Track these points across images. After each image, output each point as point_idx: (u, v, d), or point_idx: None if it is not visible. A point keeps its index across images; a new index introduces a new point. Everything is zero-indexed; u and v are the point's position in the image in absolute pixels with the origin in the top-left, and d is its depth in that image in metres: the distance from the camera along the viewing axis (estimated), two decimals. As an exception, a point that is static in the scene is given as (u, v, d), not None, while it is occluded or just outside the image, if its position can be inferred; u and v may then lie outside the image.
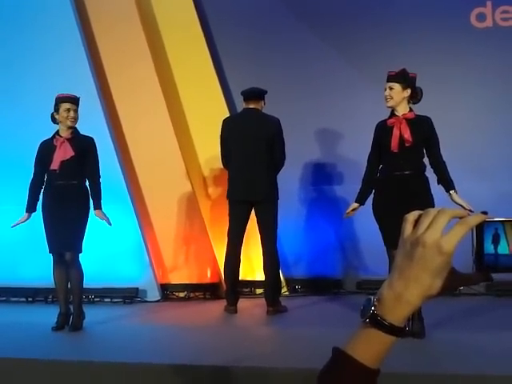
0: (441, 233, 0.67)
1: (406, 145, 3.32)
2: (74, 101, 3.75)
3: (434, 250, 0.67)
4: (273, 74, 4.94)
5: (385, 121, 3.46)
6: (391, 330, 0.70)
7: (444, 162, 3.40)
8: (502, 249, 0.69)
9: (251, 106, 4.23)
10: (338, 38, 5.07)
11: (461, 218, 0.68)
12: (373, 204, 3.47)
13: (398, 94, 3.37)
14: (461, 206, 3.30)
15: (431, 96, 4.69)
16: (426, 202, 3.26)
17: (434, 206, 3.25)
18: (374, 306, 0.71)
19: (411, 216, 0.71)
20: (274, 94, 4.57)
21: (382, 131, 3.43)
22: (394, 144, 3.33)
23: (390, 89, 3.37)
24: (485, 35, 4.87)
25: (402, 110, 3.39)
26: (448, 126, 4.61)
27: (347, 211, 3.61)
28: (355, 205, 3.56)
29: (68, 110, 3.72)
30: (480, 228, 0.69)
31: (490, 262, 0.69)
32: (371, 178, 3.51)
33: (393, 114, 3.42)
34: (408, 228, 0.71)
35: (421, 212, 0.71)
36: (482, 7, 4.89)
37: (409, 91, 3.38)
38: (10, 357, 3.03)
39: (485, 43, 4.84)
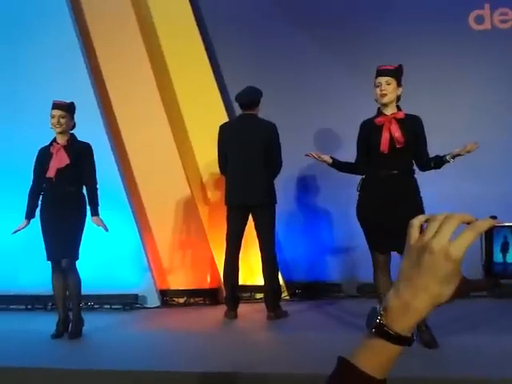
0: (449, 239, 0.65)
1: (398, 146, 3.16)
2: (61, 107, 3.73)
3: (442, 256, 0.65)
4: (271, 79, 4.93)
5: (371, 120, 3.27)
6: (398, 340, 0.68)
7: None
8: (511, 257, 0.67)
9: (248, 112, 4.22)
10: (337, 42, 5.06)
11: (469, 223, 0.66)
12: (358, 206, 3.30)
13: (393, 90, 3.19)
14: (461, 153, 3.09)
15: (428, 98, 4.71)
16: (415, 203, 3.14)
17: (423, 208, 3.18)
18: (380, 316, 0.69)
19: (417, 221, 0.69)
20: (273, 98, 4.56)
21: (370, 130, 3.24)
22: (384, 145, 3.15)
23: (388, 84, 3.17)
24: (483, 37, 4.87)
25: (392, 109, 3.23)
26: (445, 128, 4.61)
27: (317, 155, 3.39)
28: (328, 159, 3.37)
29: (53, 116, 3.71)
30: (489, 233, 0.66)
31: (499, 271, 0.67)
32: (354, 170, 3.36)
33: (380, 113, 3.25)
34: (414, 234, 0.69)
35: (427, 217, 0.69)
36: (481, 10, 4.89)
37: (401, 90, 3.23)
38: (10, 365, 3.01)
39: (483, 45, 4.84)
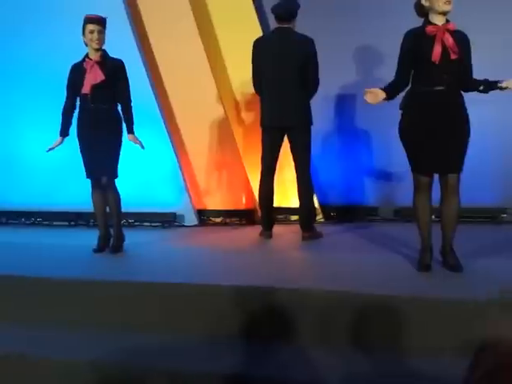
0: None
1: (452, 57, 2.92)
2: (99, 22, 3.65)
3: None
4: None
5: (420, 29, 3.00)
6: None
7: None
8: None
9: (284, 25, 4.03)
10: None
11: None
12: (401, 124, 3.03)
13: None
14: None
15: (482, 16, 4.39)
16: (462, 123, 2.95)
17: (469, 128, 3.03)
18: None
19: None
20: (309, 9, 4.33)
21: (419, 39, 2.96)
22: (436, 54, 2.90)
23: None
24: None
25: (443, 20, 2.97)
26: (493, 48, 4.33)
27: (372, 97, 2.96)
28: (382, 94, 2.98)
29: (92, 31, 3.64)
30: None
31: None
32: (397, 89, 3.05)
33: (429, 23, 2.97)
34: None
35: None
36: None
37: None
38: (54, 276, 3.18)
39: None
